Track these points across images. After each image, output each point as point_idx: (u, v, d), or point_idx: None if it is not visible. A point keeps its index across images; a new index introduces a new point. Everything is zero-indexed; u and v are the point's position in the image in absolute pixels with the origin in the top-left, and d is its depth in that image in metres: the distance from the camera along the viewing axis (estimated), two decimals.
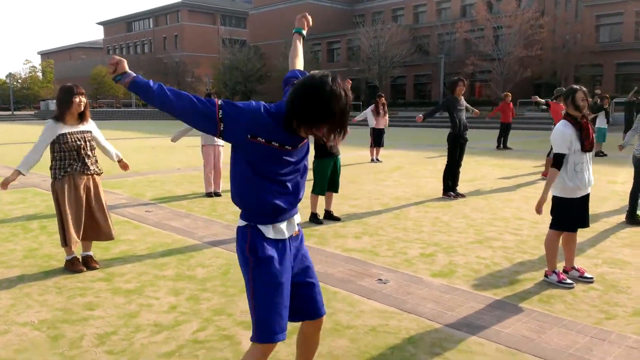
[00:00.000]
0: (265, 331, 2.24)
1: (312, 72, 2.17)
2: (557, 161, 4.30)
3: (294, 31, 2.94)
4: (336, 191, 6.92)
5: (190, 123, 2.19)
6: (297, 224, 2.41)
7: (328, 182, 6.69)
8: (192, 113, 2.14)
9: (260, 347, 2.28)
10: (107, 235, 4.91)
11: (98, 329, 3.59)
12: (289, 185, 2.26)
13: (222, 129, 2.13)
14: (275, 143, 2.14)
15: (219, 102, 2.15)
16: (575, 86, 4.46)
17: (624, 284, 4.45)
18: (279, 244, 2.29)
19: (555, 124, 10.84)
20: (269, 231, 2.25)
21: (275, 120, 2.14)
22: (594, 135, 4.43)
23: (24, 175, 4.60)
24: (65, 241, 4.67)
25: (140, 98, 2.19)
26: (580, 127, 4.34)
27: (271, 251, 2.25)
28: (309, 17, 2.99)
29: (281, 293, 2.26)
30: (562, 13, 41.72)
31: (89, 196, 4.77)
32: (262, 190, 2.20)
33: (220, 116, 2.12)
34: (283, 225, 2.29)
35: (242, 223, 2.30)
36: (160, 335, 3.49)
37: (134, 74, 2.19)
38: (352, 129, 21.45)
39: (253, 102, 2.18)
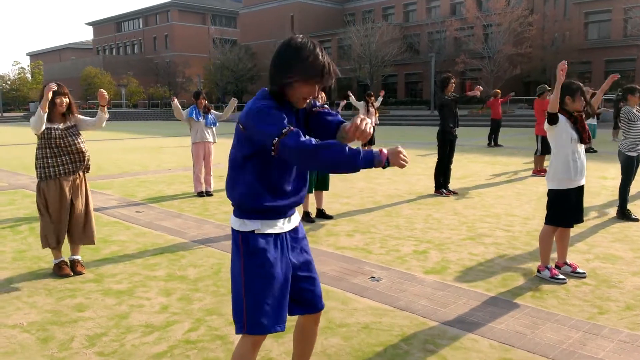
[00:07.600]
0: (255, 322, 2.20)
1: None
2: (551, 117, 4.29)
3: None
4: (326, 189, 6.91)
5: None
6: (300, 222, 2.44)
7: (317, 180, 6.69)
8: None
9: (249, 340, 2.25)
10: (89, 239, 4.82)
11: (88, 330, 3.55)
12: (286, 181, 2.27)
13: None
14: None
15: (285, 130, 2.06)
16: (574, 81, 4.43)
17: (616, 279, 4.46)
18: (275, 238, 2.28)
19: (537, 122, 10.90)
20: (264, 226, 2.25)
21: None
22: (588, 128, 4.46)
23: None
24: (48, 244, 4.63)
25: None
26: (575, 120, 4.37)
27: (265, 243, 2.24)
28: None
29: (273, 284, 2.22)
30: (551, 11, 41.94)
31: (75, 198, 4.71)
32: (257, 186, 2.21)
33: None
34: (280, 222, 2.30)
35: (237, 220, 2.29)
36: (152, 336, 3.45)
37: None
38: None
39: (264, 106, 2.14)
